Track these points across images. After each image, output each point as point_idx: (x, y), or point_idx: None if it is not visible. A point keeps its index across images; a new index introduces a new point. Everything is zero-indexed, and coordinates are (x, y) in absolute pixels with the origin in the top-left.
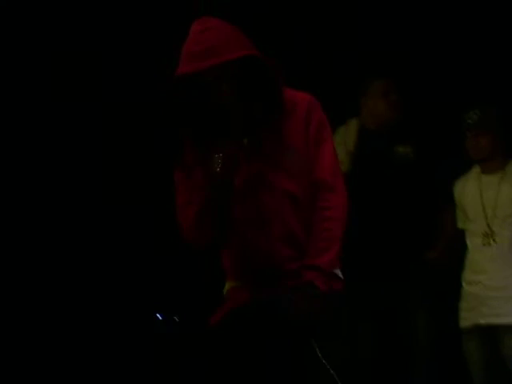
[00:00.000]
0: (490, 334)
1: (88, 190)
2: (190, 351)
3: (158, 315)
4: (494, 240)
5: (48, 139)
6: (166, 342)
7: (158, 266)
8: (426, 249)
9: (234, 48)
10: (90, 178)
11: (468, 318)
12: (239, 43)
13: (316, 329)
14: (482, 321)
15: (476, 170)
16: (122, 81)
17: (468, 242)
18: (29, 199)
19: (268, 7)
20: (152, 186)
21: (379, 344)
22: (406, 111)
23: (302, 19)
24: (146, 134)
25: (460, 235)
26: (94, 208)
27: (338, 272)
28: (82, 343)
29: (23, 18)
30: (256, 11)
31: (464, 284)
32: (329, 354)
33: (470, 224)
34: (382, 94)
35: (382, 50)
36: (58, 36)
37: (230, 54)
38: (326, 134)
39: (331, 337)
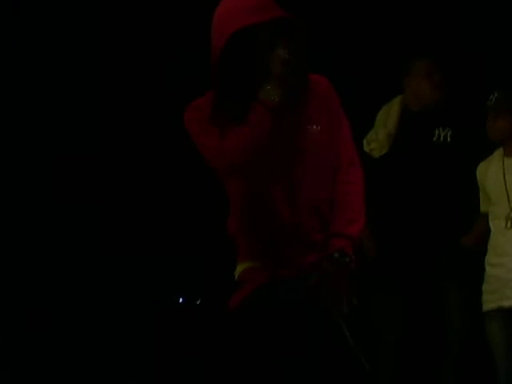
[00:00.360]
0: None
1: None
2: (213, 337)
3: (180, 298)
4: None
5: (48, 138)
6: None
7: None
8: (461, 233)
9: (283, 9)
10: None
11: (491, 300)
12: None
13: (346, 302)
14: (506, 303)
15: (499, 152)
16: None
17: (491, 224)
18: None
19: None
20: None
21: (410, 320)
22: (450, 92)
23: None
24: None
25: None
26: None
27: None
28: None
29: (24, 21)
30: None
31: (487, 267)
32: (357, 329)
33: (493, 207)
34: (426, 74)
35: (427, 30)
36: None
37: (286, 12)
38: (343, 111)
39: (360, 310)
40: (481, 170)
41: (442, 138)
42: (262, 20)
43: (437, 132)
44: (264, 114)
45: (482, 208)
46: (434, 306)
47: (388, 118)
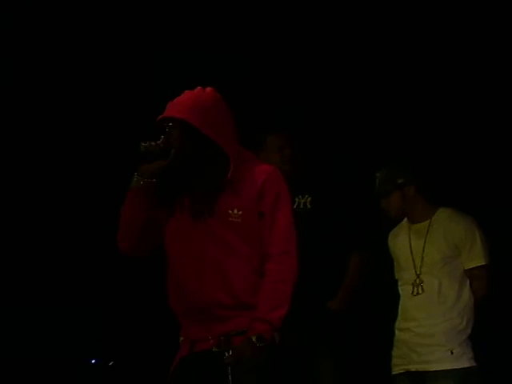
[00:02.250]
0: (420, 380)
1: None
2: None
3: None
4: (422, 288)
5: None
6: None
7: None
8: (329, 298)
9: (183, 111)
10: None
11: (399, 364)
12: (196, 112)
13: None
14: (412, 368)
15: (406, 220)
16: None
17: (400, 290)
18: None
19: None
20: None
21: None
22: (303, 163)
23: None
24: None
25: (362, 281)
26: None
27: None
28: None
29: (23, 21)
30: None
31: (396, 331)
32: None
33: (402, 273)
34: (277, 148)
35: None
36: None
37: (179, 114)
38: (282, 204)
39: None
40: (391, 237)
41: (302, 205)
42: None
43: (296, 200)
44: (136, 192)
45: (395, 275)
46: (308, 374)
47: None
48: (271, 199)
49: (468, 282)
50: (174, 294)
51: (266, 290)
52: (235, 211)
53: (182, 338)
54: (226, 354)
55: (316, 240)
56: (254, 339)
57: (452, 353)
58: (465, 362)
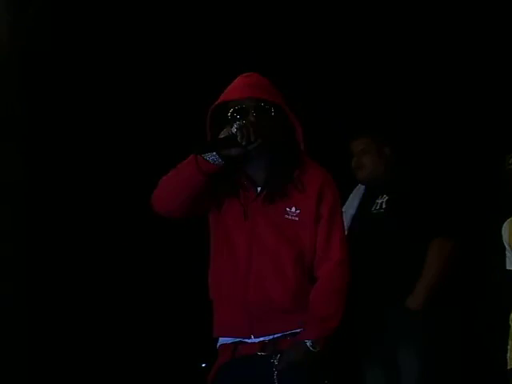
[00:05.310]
0: None
1: None
2: None
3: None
4: None
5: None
6: None
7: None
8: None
9: (274, 95)
10: None
11: None
12: (276, 94)
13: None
14: None
15: None
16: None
17: None
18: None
19: None
20: None
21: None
22: (387, 163)
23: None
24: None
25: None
26: None
27: None
28: None
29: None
30: None
31: None
32: None
33: None
34: (359, 152)
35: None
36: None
37: (273, 97)
38: (339, 210)
39: None
40: (507, 228)
41: (378, 206)
42: (251, 96)
43: (377, 201)
44: (191, 161)
45: (508, 265)
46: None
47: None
48: (328, 206)
49: None
50: (216, 287)
51: (321, 298)
52: (293, 209)
53: (219, 344)
54: (274, 358)
55: (386, 240)
56: (308, 343)
57: None
58: None
